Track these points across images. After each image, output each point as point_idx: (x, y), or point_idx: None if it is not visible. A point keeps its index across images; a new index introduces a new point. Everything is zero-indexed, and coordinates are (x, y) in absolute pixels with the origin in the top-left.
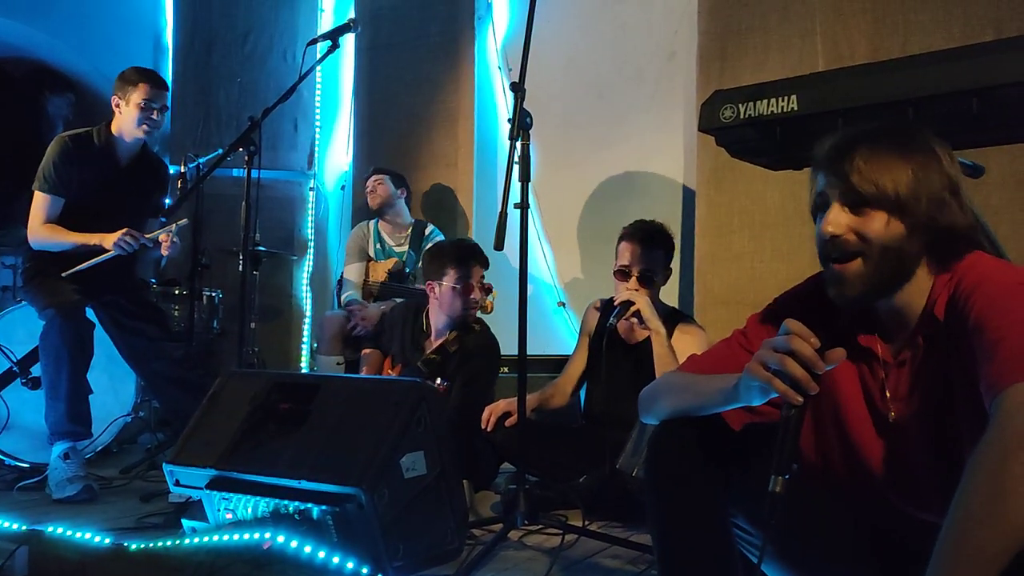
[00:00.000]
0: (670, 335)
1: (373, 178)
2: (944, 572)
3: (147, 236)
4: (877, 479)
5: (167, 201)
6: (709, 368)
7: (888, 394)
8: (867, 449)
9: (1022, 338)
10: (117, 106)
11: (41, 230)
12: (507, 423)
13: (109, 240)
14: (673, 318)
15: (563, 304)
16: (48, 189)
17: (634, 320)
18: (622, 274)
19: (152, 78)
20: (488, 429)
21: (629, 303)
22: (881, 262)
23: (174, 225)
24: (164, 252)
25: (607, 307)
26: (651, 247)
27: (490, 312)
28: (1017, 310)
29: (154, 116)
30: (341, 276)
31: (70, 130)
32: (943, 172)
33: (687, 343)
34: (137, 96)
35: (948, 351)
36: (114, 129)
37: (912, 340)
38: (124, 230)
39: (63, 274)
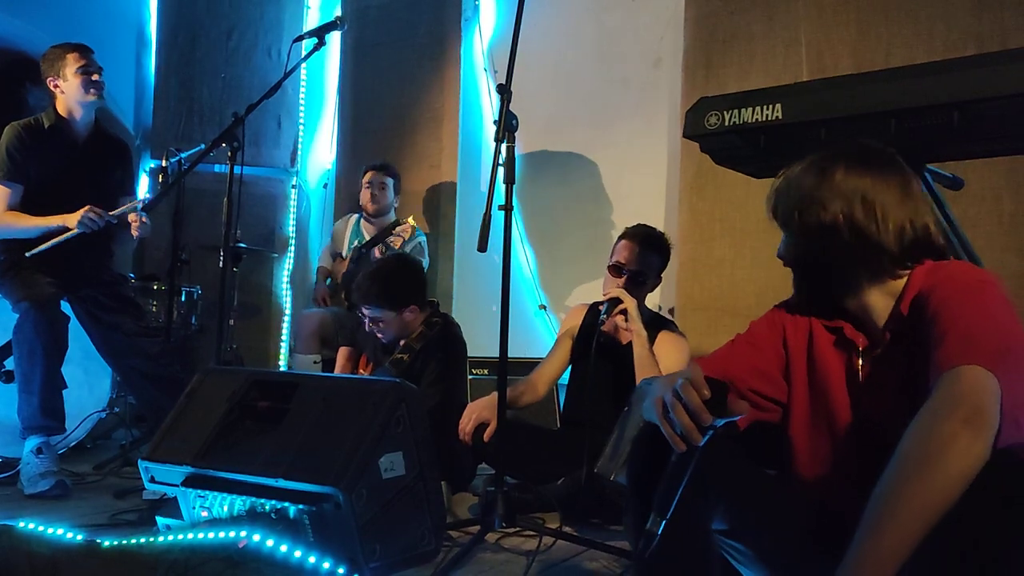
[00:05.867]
0: (652, 340)
1: (378, 177)
2: (873, 527)
3: (112, 213)
4: (853, 474)
5: (147, 193)
6: (713, 368)
7: (863, 386)
8: (848, 441)
9: (968, 327)
10: (56, 86)
11: (2, 218)
12: (485, 436)
13: (73, 219)
14: (656, 323)
15: (544, 307)
16: (4, 177)
17: (620, 318)
18: (616, 269)
19: (76, 45)
20: (467, 438)
21: (618, 300)
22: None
23: (138, 202)
24: (134, 233)
25: (594, 309)
26: (648, 250)
27: None
28: (971, 303)
29: (95, 77)
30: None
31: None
32: (808, 180)
33: (668, 350)
34: (72, 65)
35: (911, 346)
36: (62, 111)
37: (881, 337)
38: (87, 208)
39: (27, 254)
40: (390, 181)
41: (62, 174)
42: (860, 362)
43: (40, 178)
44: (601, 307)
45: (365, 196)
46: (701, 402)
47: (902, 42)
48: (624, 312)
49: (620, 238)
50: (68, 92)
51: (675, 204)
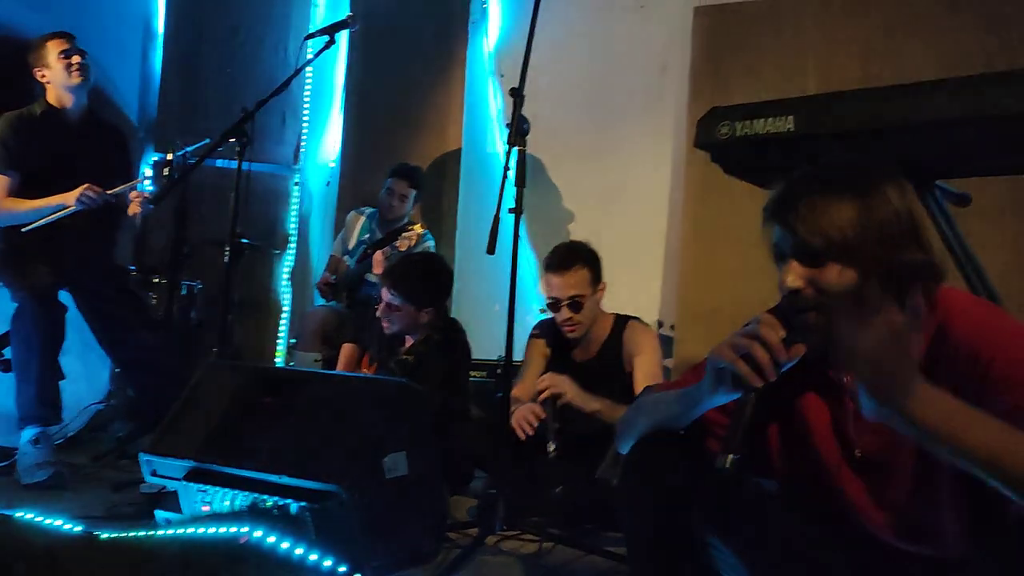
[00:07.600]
0: (621, 335)
1: (400, 187)
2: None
3: (110, 192)
4: (852, 511)
5: (150, 183)
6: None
7: (858, 426)
8: (841, 482)
9: None
10: (43, 76)
11: (3, 204)
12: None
13: (71, 197)
14: (620, 321)
15: (544, 311)
16: (1, 166)
17: (570, 405)
18: (553, 306)
19: (55, 33)
20: (530, 432)
21: (556, 396)
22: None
23: (137, 181)
24: (135, 210)
25: (547, 325)
26: (572, 271)
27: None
28: (1015, 335)
29: (77, 59)
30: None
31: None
32: (892, 209)
33: (643, 341)
34: (53, 52)
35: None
36: (52, 100)
37: None
38: (86, 185)
39: (23, 229)
40: (412, 193)
41: (57, 161)
42: (854, 404)
43: (36, 166)
44: (542, 401)
45: (384, 200)
46: (779, 341)
47: (909, 58)
48: (568, 404)
49: (545, 270)
50: (54, 79)
51: (679, 212)
